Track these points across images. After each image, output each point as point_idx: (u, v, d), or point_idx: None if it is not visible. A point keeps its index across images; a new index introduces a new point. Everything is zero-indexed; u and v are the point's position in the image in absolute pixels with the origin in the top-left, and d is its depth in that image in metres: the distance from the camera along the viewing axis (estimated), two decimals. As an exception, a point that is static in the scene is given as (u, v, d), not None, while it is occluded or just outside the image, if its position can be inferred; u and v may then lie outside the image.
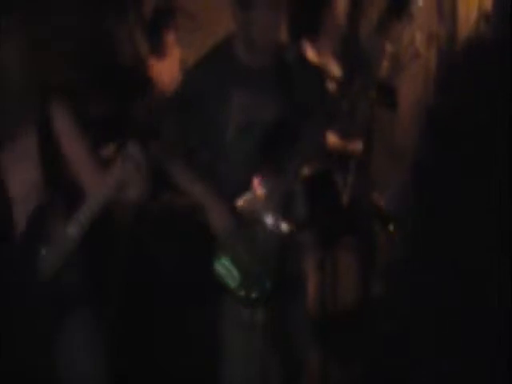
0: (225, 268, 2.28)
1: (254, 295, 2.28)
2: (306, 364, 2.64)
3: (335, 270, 3.33)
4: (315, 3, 3.01)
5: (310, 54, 2.99)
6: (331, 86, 2.82)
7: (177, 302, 2.91)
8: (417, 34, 3.21)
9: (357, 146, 3.21)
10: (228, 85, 2.25)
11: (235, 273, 2.28)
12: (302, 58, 2.46)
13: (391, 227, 3.32)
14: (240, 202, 2.27)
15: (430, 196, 3.42)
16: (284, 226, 2.29)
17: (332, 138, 3.14)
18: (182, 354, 2.90)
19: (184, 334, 2.93)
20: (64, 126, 1.95)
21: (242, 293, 2.28)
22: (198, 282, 2.61)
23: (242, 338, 2.38)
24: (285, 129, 2.30)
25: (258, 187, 2.26)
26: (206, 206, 2.30)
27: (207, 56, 2.34)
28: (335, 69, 3.06)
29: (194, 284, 2.76)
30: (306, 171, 2.62)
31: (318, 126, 2.33)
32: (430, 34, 3.57)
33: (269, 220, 2.27)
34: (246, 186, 2.28)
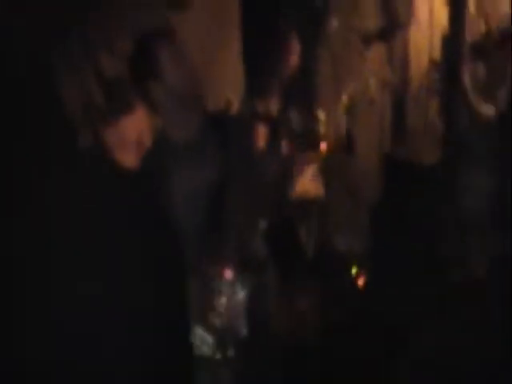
0: (199, 338, 2.28)
1: (230, 352, 2.29)
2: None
3: (296, 312, 3.35)
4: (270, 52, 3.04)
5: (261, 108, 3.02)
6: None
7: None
8: (371, 81, 3.31)
9: (319, 190, 3.25)
10: (165, 168, 2.23)
11: (209, 338, 2.29)
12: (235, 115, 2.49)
13: (353, 270, 3.36)
14: None
15: (387, 237, 3.51)
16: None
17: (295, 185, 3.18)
18: None
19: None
20: None
21: (219, 355, 2.29)
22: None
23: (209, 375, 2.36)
24: (233, 186, 2.33)
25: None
26: None
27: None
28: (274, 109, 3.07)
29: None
30: (266, 223, 2.66)
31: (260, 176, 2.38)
32: (383, 80, 3.68)
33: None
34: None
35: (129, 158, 1.86)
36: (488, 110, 4.22)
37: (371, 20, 3.70)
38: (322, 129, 2.89)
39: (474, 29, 4.30)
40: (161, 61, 2.10)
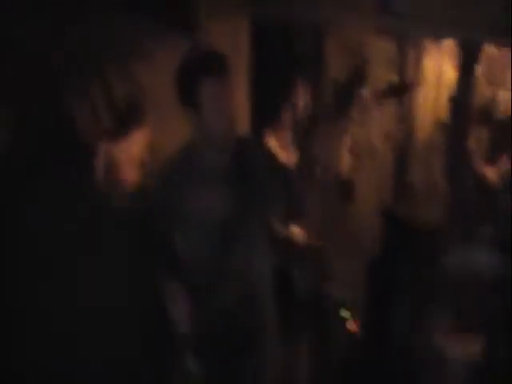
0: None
1: None
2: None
3: (292, 362, 3.33)
4: (277, 94, 3.11)
5: (271, 144, 3.09)
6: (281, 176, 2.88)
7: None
8: (374, 130, 3.35)
9: (316, 241, 3.27)
10: (182, 190, 2.25)
11: None
12: (259, 152, 2.49)
13: (345, 315, 3.36)
14: None
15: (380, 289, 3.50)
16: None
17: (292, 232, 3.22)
18: None
19: None
20: None
21: None
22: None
23: None
24: (241, 221, 2.31)
25: None
26: None
27: (169, 163, 2.31)
28: (289, 158, 3.09)
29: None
30: None
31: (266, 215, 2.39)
32: (387, 133, 3.75)
33: None
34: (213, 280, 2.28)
35: (133, 174, 1.90)
36: (491, 173, 4.28)
37: (382, 78, 3.82)
38: (321, 172, 2.95)
39: (481, 93, 4.42)
40: (203, 99, 2.12)
